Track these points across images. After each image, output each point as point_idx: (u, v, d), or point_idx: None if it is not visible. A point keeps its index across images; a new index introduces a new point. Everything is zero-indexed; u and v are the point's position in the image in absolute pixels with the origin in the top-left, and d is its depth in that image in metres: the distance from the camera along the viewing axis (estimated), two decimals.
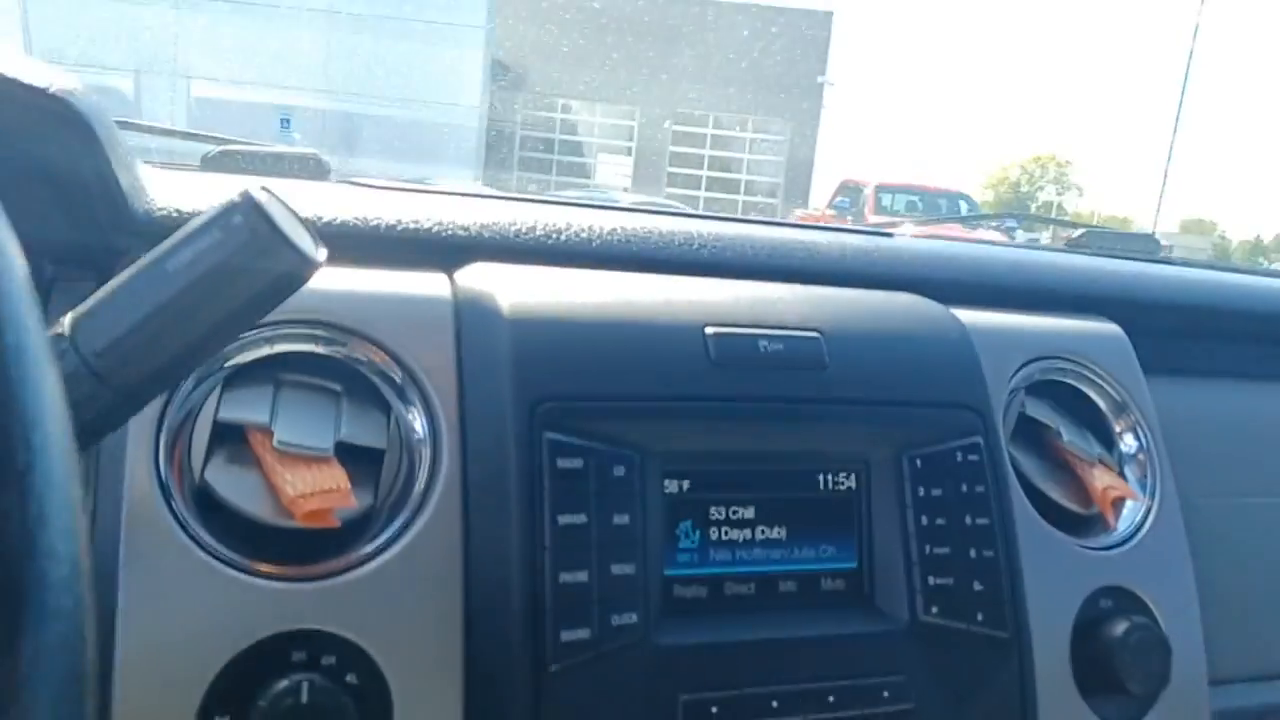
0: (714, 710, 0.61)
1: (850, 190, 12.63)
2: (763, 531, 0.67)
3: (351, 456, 0.60)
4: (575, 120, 22.71)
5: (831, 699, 0.63)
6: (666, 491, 0.65)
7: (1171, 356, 0.94)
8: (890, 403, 0.71)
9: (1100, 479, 0.79)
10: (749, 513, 0.67)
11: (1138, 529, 0.80)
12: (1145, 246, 1.29)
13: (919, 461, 0.70)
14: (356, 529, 0.59)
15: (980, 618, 0.68)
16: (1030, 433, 0.81)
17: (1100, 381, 0.84)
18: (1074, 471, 0.81)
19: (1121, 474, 0.82)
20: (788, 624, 0.65)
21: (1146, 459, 0.83)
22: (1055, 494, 0.79)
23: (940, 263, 0.90)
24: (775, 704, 0.62)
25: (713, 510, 0.66)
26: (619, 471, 0.62)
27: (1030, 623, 0.70)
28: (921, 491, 0.69)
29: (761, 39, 20.92)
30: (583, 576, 0.59)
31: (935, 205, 12.16)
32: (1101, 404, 0.85)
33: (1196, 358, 0.98)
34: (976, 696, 0.67)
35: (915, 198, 12.30)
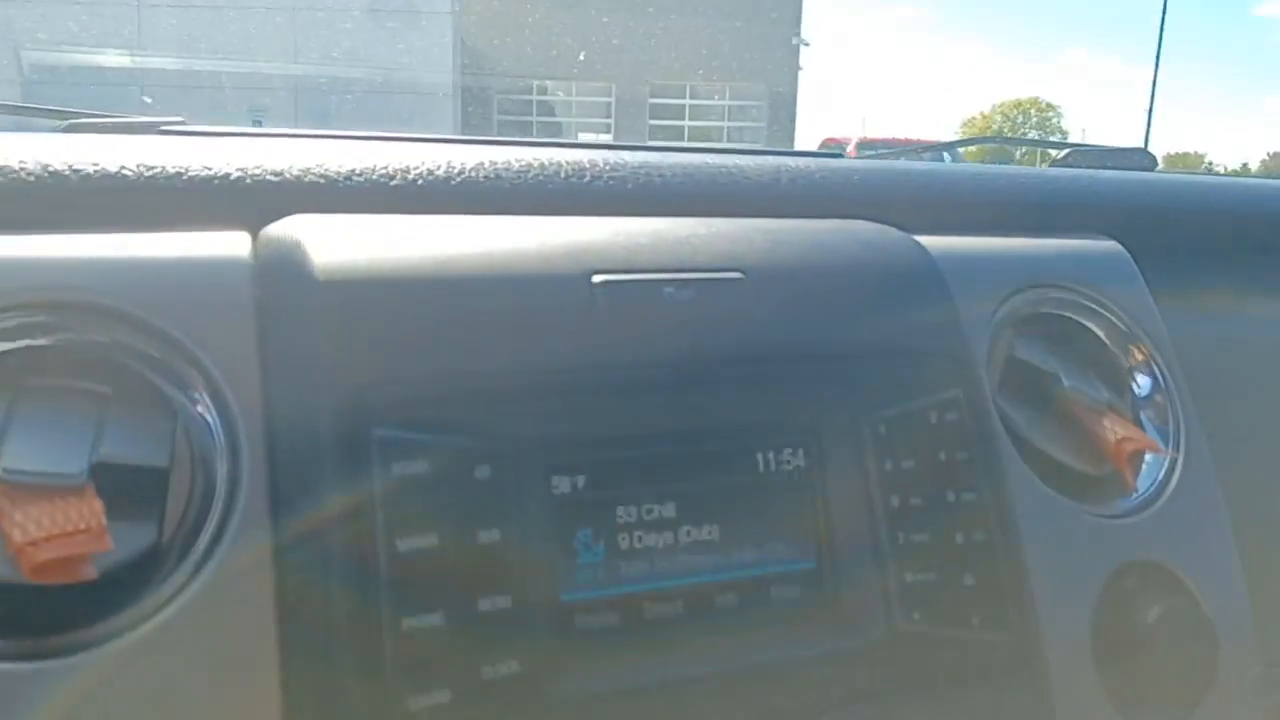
0: None
1: (832, 149, 12.42)
2: (689, 533, 0.52)
3: (123, 482, 0.45)
4: (551, 101, 22.48)
5: None
6: (555, 492, 0.50)
7: (1185, 278, 0.79)
8: (840, 355, 0.56)
9: (1112, 429, 0.64)
10: (669, 510, 0.52)
11: (1162, 488, 0.65)
12: (1140, 161, 1.13)
13: (883, 427, 0.55)
14: (132, 580, 0.44)
15: (975, 621, 0.53)
16: (1022, 381, 0.66)
17: (1102, 311, 0.69)
18: (1079, 424, 0.66)
19: (1137, 423, 0.67)
20: (729, 650, 0.50)
21: (1165, 402, 0.68)
22: (1058, 453, 0.64)
23: (900, 184, 0.74)
24: None
25: (620, 512, 0.51)
26: (482, 472, 0.47)
27: (1040, 620, 0.55)
28: (889, 465, 0.55)
29: (732, 3, 20.65)
30: (435, 619, 0.44)
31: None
32: (1105, 338, 0.69)
33: (1215, 277, 0.83)
34: (976, 713, 0.52)
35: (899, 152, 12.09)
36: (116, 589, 0.44)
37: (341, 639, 0.43)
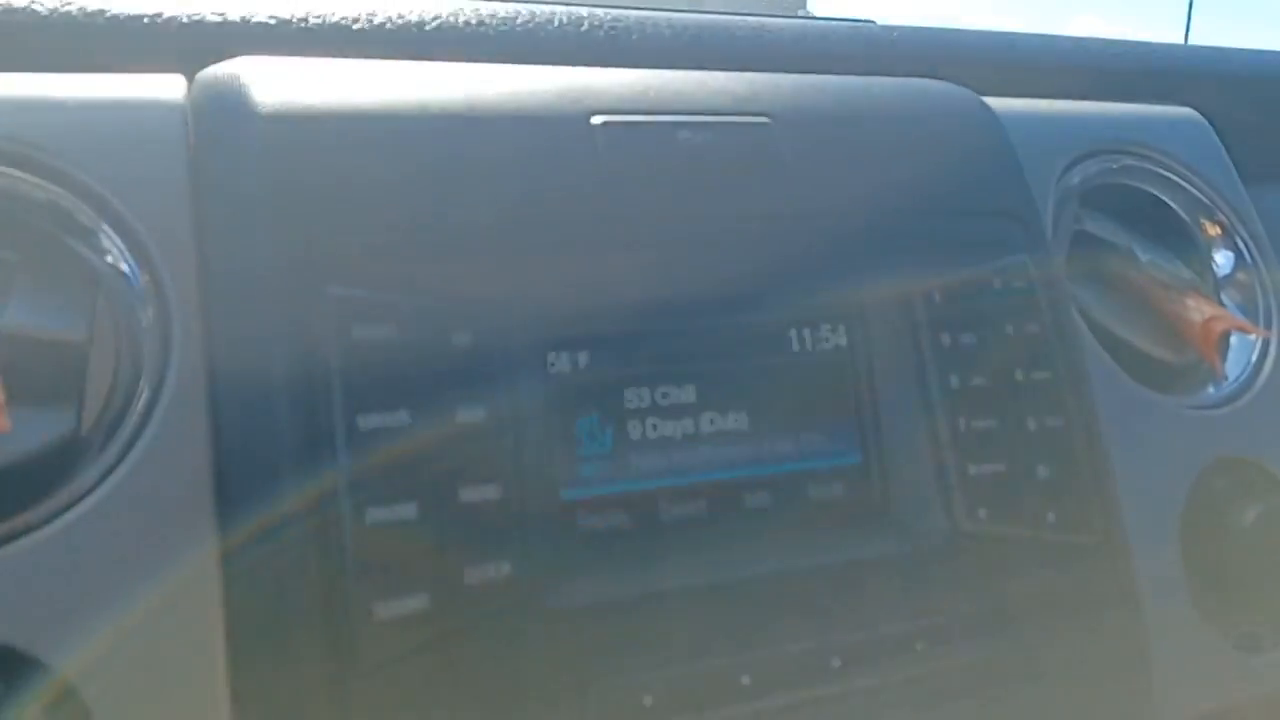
0: (648, 702, 0.38)
1: None
2: (712, 422, 0.44)
3: (33, 360, 0.37)
4: None
5: (836, 663, 0.41)
6: (553, 370, 0.42)
7: (1270, 157, 0.69)
8: (888, 213, 0.47)
9: (1197, 309, 0.56)
10: (688, 394, 0.44)
11: (1255, 374, 0.56)
12: None
13: (939, 295, 0.46)
14: (45, 470, 0.36)
15: (1052, 518, 0.45)
16: (1091, 258, 0.58)
17: (1180, 180, 0.60)
18: (1157, 305, 0.57)
19: (1220, 304, 0.59)
20: (758, 557, 0.42)
21: (1252, 280, 0.60)
22: (1134, 337, 0.56)
23: (950, 48, 0.65)
24: (748, 680, 0.39)
25: (630, 395, 0.43)
26: (461, 340, 0.39)
27: (1125, 519, 0.47)
28: (947, 339, 0.46)
29: None
30: (407, 511, 0.36)
31: None
32: (1183, 212, 0.61)
33: None
34: (1055, 639, 0.44)
35: None
36: (26, 480, 0.36)
37: (292, 535, 0.35)
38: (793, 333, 0.46)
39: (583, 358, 0.42)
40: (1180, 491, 0.51)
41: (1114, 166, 0.59)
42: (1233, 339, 0.57)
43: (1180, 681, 0.48)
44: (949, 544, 0.44)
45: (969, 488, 0.45)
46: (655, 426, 0.43)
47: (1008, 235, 0.49)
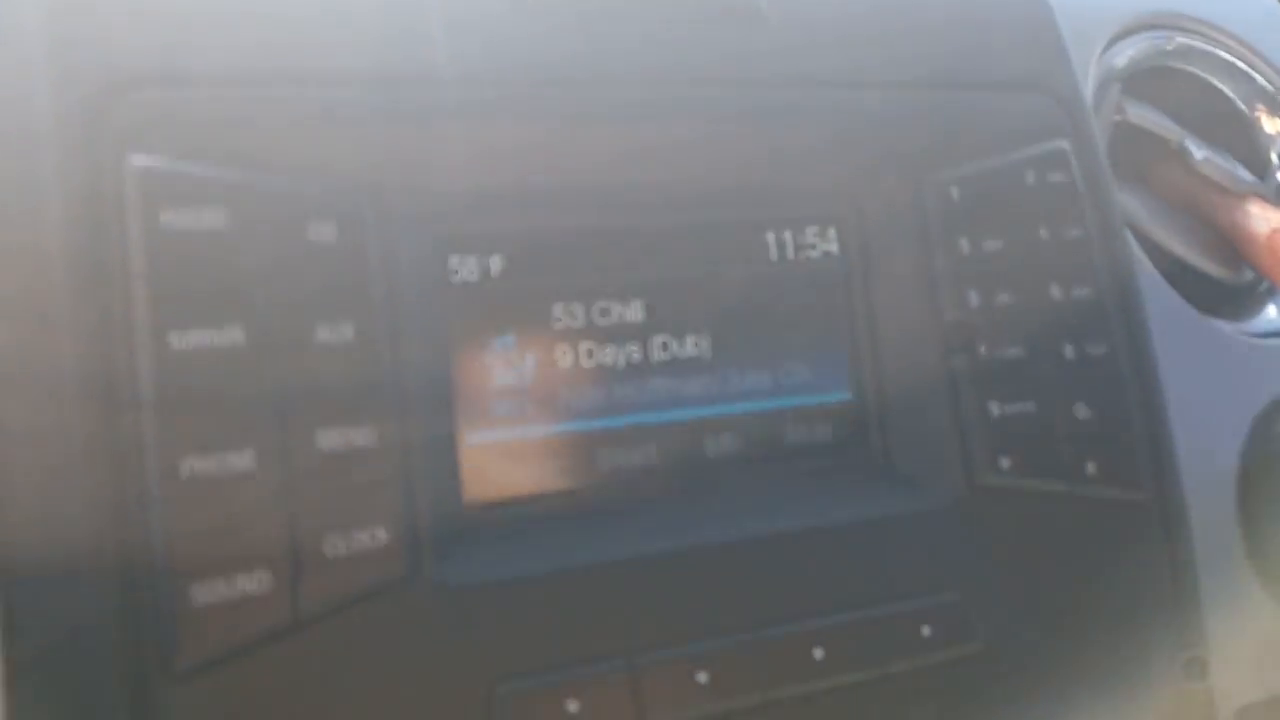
0: (573, 709, 0.29)
1: None
2: (665, 347, 0.34)
3: None
4: None
5: (819, 654, 0.32)
6: (456, 279, 0.32)
7: None
8: (891, 84, 0.37)
9: (1261, 218, 0.46)
10: (634, 312, 0.34)
11: None
12: None
13: (955, 190, 0.37)
14: None
15: (1092, 470, 0.36)
16: (1135, 153, 0.48)
17: (1242, 64, 0.50)
18: (1211, 214, 0.47)
19: None
20: (724, 517, 0.33)
21: None
22: (1186, 250, 0.46)
23: None
24: (704, 679, 0.30)
25: (559, 312, 0.33)
26: (320, 232, 0.29)
27: (1179, 470, 0.38)
28: (966, 246, 0.36)
29: None
30: (242, 460, 0.26)
31: None
32: (1243, 104, 0.50)
33: None
34: (1095, 620, 0.35)
35: None
36: None
37: (74, 496, 0.25)
38: (770, 236, 0.36)
39: (496, 262, 0.33)
40: (1237, 437, 0.42)
41: (1165, 46, 0.48)
42: None
43: (1240, 666, 0.39)
44: (963, 502, 0.35)
45: (989, 432, 0.35)
46: (591, 353, 0.33)
47: (1043, 116, 0.39)
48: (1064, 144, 0.38)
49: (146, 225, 0.27)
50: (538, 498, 0.32)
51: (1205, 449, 0.41)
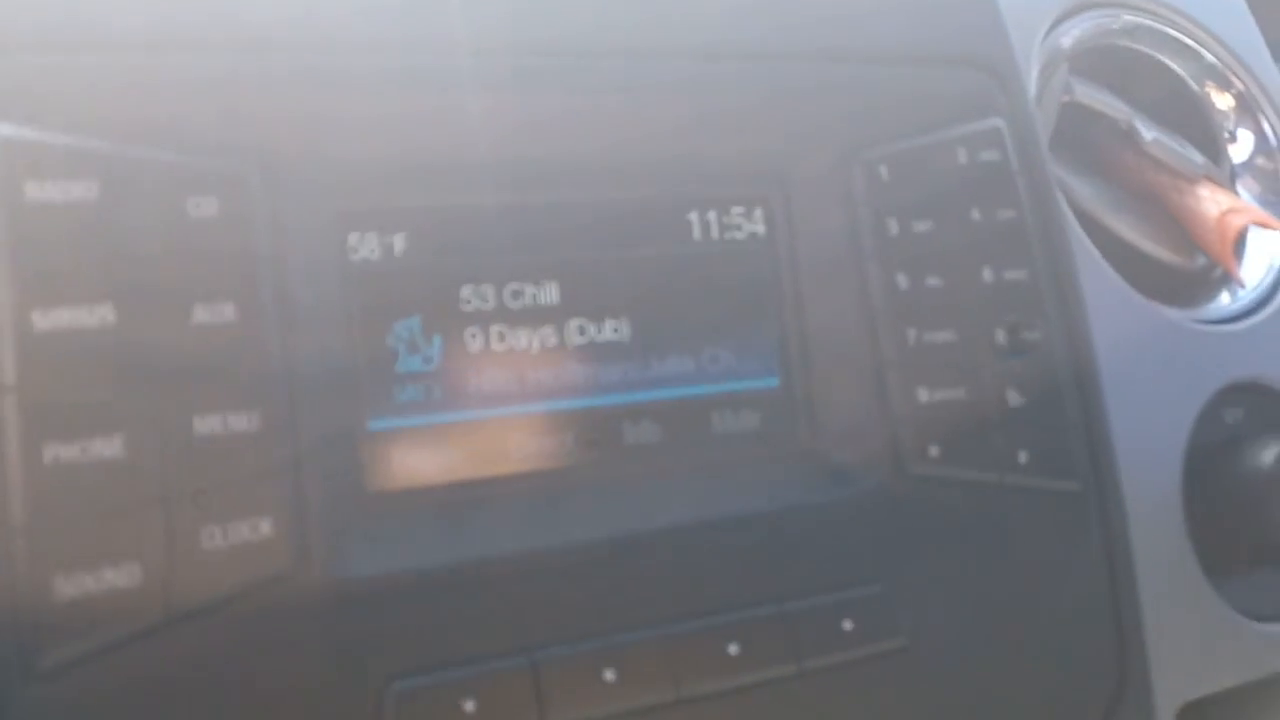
0: (469, 708, 0.28)
1: None
2: (582, 330, 0.33)
3: None
4: None
5: (734, 650, 0.30)
6: (355, 258, 0.30)
7: None
8: (820, 56, 0.36)
9: (1211, 201, 0.45)
10: (549, 294, 0.33)
11: (1277, 283, 0.46)
12: None
13: (884, 169, 0.35)
14: None
15: (1024, 459, 0.35)
16: (1082, 135, 0.46)
17: (1193, 44, 0.49)
18: (1159, 196, 0.46)
19: (1237, 195, 0.48)
20: (641, 508, 0.32)
21: (1276, 166, 0.49)
22: (1132, 234, 0.45)
23: None
24: (611, 676, 0.29)
25: (468, 293, 0.32)
26: (200, 207, 0.27)
27: (1116, 460, 0.37)
28: (895, 227, 0.35)
29: None
30: (109, 446, 0.25)
31: None
32: (1194, 84, 0.49)
33: None
34: (1027, 615, 0.34)
35: None
36: None
37: None
38: (693, 215, 0.35)
39: (399, 240, 0.31)
40: (1185, 423, 0.41)
41: (1112, 25, 0.47)
42: (1251, 238, 0.46)
43: (1182, 662, 0.38)
44: (891, 491, 0.34)
45: (918, 419, 0.34)
46: (502, 336, 0.32)
47: (977, 93, 0.37)
48: (998, 122, 0.37)
49: (8, 199, 0.25)
50: (443, 488, 0.31)
51: (1149, 438, 0.40)
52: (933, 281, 0.35)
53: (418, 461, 0.31)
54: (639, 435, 0.33)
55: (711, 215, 0.35)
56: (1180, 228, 0.46)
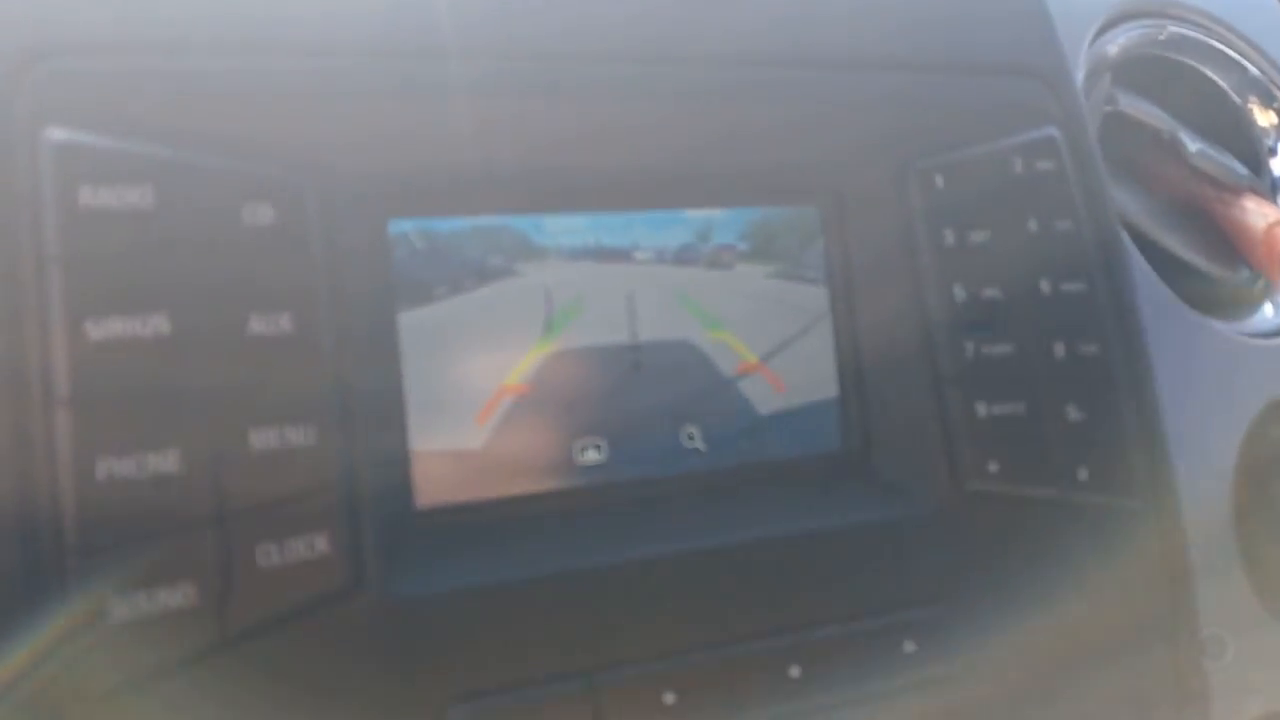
0: None
1: None
2: (616, 329, 0.32)
3: None
4: None
5: (795, 673, 0.30)
6: (401, 253, 0.30)
7: None
8: (876, 65, 0.35)
9: (1257, 213, 0.44)
10: (608, 305, 0.32)
11: None
12: None
13: (940, 179, 0.35)
14: None
15: (1084, 475, 0.34)
16: (1125, 145, 0.46)
17: (1236, 56, 0.48)
18: (1204, 208, 0.46)
19: None
20: (690, 525, 0.31)
21: None
22: (1177, 245, 0.44)
23: None
24: (671, 699, 0.28)
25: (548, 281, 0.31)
26: (258, 216, 0.26)
27: (1175, 477, 0.36)
28: (951, 237, 0.34)
29: None
30: (165, 461, 0.24)
31: None
32: (1237, 96, 0.49)
33: None
34: (1086, 636, 0.34)
35: None
36: None
37: None
38: (744, 228, 0.34)
39: (448, 253, 0.30)
40: (1233, 439, 0.40)
41: (1158, 35, 0.47)
42: None
43: (1239, 686, 0.37)
44: (950, 509, 0.33)
45: (976, 434, 0.33)
46: (561, 354, 0.31)
47: (1032, 101, 0.37)
48: (1053, 131, 0.36)
49: (63, 204, 0.24)
50: (497, 504, 0.30)
51: (1200, 453, 0.39)
52: (990, 293, 0.34)
53: (469, 478, 0.30)
54: (684, 441, 0.33)
55: (763, 228, 0.34)
56: (1224, 240, 0.45)
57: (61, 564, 0.23)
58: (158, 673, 0.24)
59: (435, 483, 0.29)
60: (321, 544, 0.26)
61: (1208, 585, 0.38)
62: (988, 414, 0.33)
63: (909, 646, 0.31)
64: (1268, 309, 0.44)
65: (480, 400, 0.30)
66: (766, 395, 0.34)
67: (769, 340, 0.34)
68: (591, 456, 0.31)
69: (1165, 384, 0.38)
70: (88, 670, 0.23)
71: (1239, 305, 0.45)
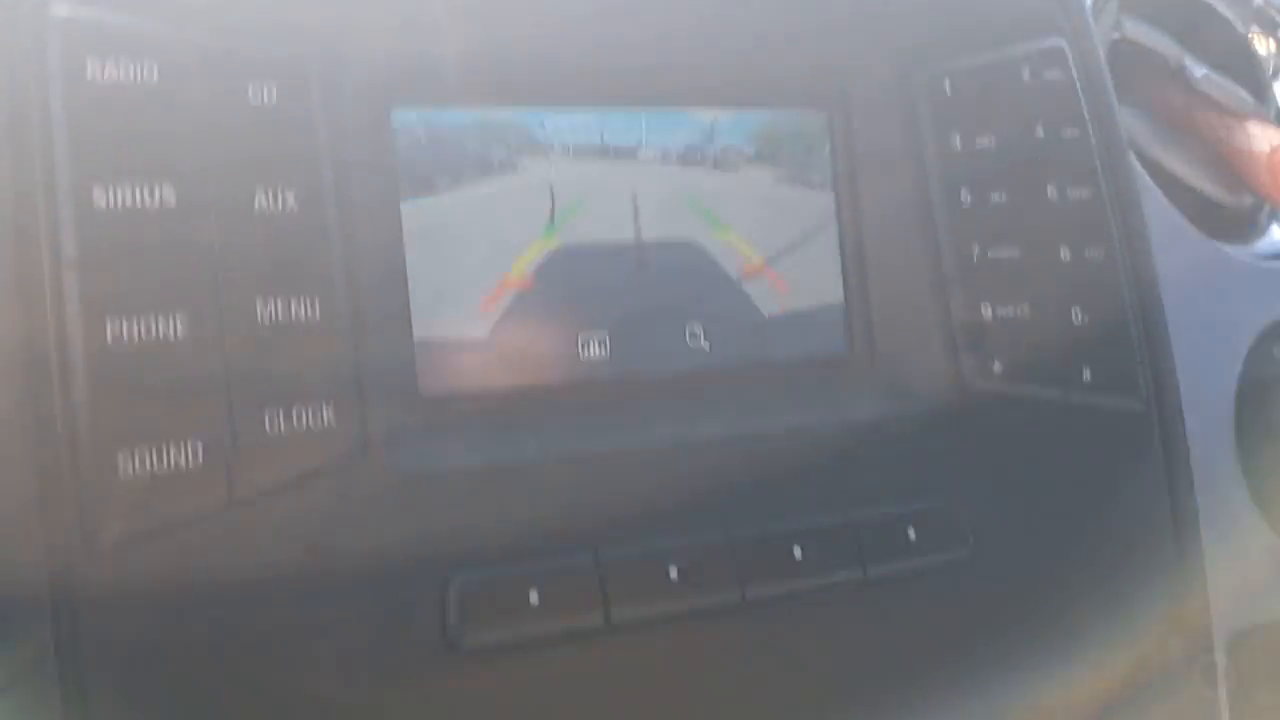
0: (534, 600, 0.27)
1: None
2: (621, 227, 0.32)
3: None
4: None
5: (797, 554, 0.30)
6: (404, 142, 0.30)
7: None
8: None
9: (1262, 137, 0.44)
10: (615, 200, 0.32)
11: None
12: None
13: (948, 84, 0.35)
14: None
15: (1087, 376, 0.34)
16: (1131, 71, 0.46)
17: None
18: (1210, 134, 0.46)
19: None
20: (696, 416, 0.31)
21: None
22: (1182, 169, 0.44)
23: None
24: (675, 574, 0.28)
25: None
26: (264, 96, 0.26)
27: (1177, 381, 0.36)
28: (958, 142, 0.34)
29: None
30: (171, 326, 0.24)
31: None
32: (1240, 25, 0.49)
33: None
34: (1087, 532, 0.34)
35: None
36: None
37: None
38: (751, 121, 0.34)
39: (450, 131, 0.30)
40: (1239, 352, 0.41)
41: None
42: None
43: (1233, 590, 0.37)
44: (955, 407, 0.33)
45: (981, 336, 0.33)
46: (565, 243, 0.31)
47: (1040, 12, 0.37)
48: (1061, 42, 0.36)
49: (69, 76, 0.24)
50: (501, 394, 0.30)
51: (1204, 368, 0.39)
52: (996, 198, 0.34)
53: (474, 367, 0.30)
54: (692, 348, 0.33)
55: (770, 131, 0.34)
56: (1227, 165, 0.45)
57: (72, 419, 0.23)
58: (166, 529, 0.24)
59: (440, 369, 0.29)
60: (328, 415, 0.26)
61: (1208, 496, 0.38)
62: (992, 316, 0.34)
63: (911, 534, 0.31)
64: (1273, 233, 0.44)
65: (483, 292, 0.30)
66: (771, 297, 0.34)
67: (774, 243, 0.34)
68: (595, 351, 0.31)
69: (1170, 303, 0.38)
70: (98, 523, 0.23)
71: (1242, 228, 0.45)
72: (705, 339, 0.33)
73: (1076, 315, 0.34)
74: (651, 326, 0.32)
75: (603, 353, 0.31)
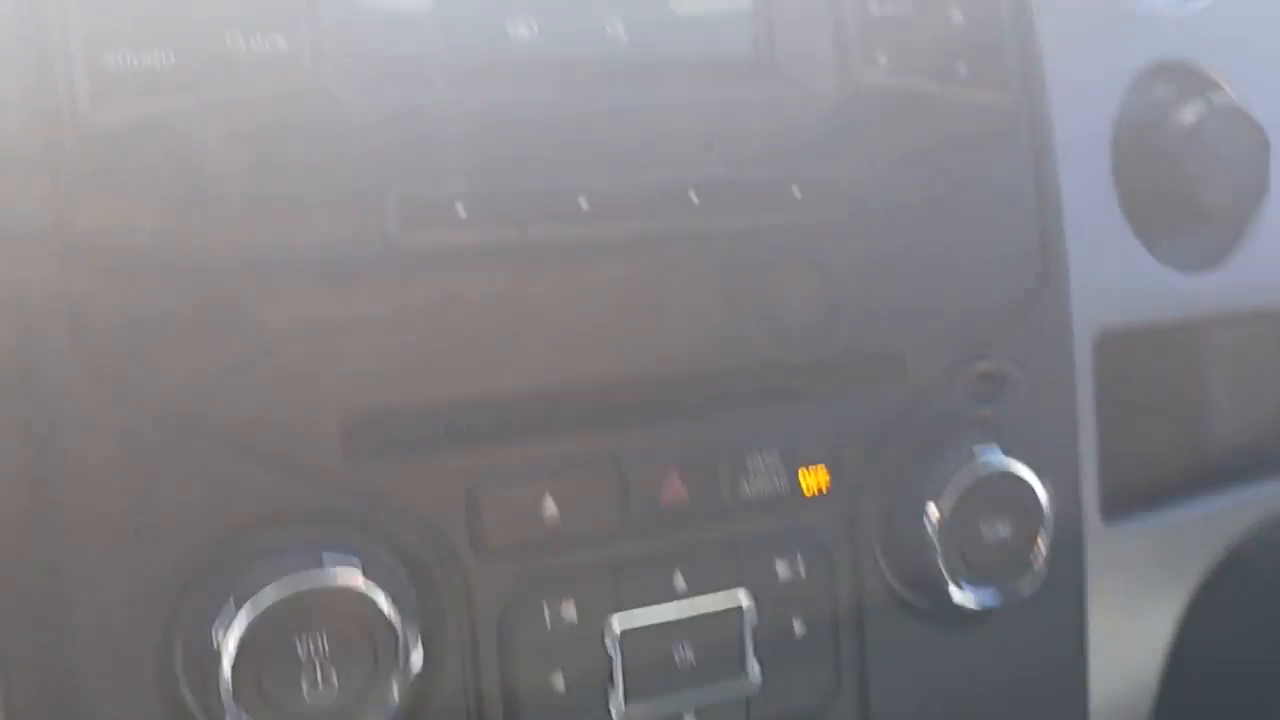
0: (461, 213, 0.31)
1: None
2: None
3: None
4: None
5: (694, 199, 0.34)
6: None
7: None
8: None
9: None
10: None
11: None
12: None
13: None
14: None
15: (963, 71, 0.38)
16: None
17: None
18: None
19: None
20: (613, 87, 0.35)
21: None
22: None
23: None
24: (585, 204, 0.33)
25: None
26: None
27: (1046, 84, 0.40)
28: None
29: None
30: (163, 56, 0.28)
31: None
32: None
33: None
34: (952, 214, 0.38)
35: None
36: None
37: None
38: None
39: None
40: (1115, 92, 0.45)
41: None
42: None
43: (1104, 293, 0.42)
44: (840, 94, 0.37)
45: (869, 28, 0.37)
46: None
47: None
48: None
49: None
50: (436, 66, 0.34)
51: (1080, 99, 0.44)
52: None
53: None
54: (611, 33, 0.36)
55: None
56: None
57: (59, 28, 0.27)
58: (140, 121, 0.28)
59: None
60: (280, 43, 0.30)
61: (1086, 215, 0.42)
62: (880, 11, 0.37)
63: (796, 192, 0.35)
64: None
65: None
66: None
67: None
68: (523, 31, 0.35)
69: (1052, 29, 0.42)
70: (88, 106, 0.27)
71: None
72: (624, 30, 0.37)
73: (956, 15, 0.38)
74: (573, 11, 0.36)
75: (529, 33, 0.35)
